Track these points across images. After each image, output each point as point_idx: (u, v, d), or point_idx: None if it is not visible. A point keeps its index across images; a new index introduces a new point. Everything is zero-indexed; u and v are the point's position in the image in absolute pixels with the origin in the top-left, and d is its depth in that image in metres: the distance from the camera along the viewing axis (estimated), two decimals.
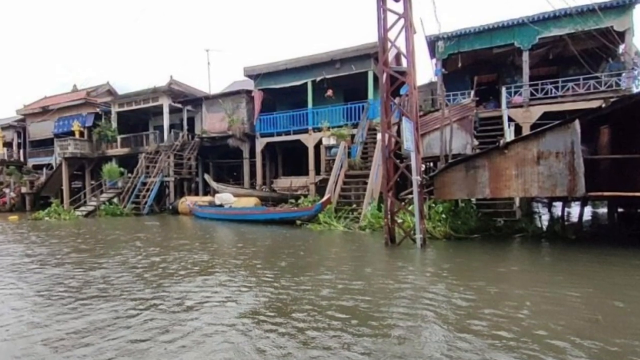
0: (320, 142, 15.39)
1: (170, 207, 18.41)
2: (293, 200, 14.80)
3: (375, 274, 5.66)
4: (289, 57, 17.16)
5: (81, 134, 22.27)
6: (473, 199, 9.42)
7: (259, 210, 13.81)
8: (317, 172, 15.94)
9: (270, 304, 4.17)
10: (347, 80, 16.51)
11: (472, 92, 12.14)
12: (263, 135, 17.88)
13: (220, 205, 14.99)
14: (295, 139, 17.00)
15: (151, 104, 20.83)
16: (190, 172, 19.93)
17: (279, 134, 17.56)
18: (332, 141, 14.26)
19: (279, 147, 19.04)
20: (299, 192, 16.03)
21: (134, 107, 21.33)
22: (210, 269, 5.97)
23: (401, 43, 8.25)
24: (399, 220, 8.59)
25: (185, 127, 20.96)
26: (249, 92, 18.72)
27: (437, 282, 5.05)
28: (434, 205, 9.43)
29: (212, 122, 19.24)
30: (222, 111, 18.79)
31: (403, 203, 9.11)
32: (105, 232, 11.30)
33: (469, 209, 9.54)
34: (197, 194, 19.79)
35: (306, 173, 16.97)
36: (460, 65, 14.09)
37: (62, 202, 20.23)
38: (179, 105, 20.72)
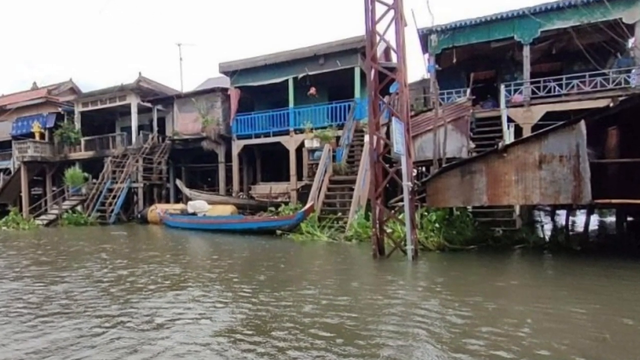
0: (302, 144, 15.26)
1: (139, 215, 18.21)
2: (273, 208, 14.75)
3: (363, 288, 5.71)
4: (269, 52, 17.13)
5: (42, 135, 21.83)
6: (469, 207, 9.39)
7: (236, 219, 13.80)
8: (299, 178, 15.70)
9: (248, 321, 4.17)
10: (331, 78, 16.32)
11: (468, 90, 12.11)
12: (240, 137, 17.69)
13: (194, 214, 15.03)
14: (275, 141, 16.81)
15: (118, 103, 20.54)
16: (160, 177, 19.67)
17: (257, 136, 17.37)
18: (316, 143, 14.20)
19: (257, 150, 18.82)
20: (279, 200, 15.95)
21: (99, 106, 21.01)
22: (183, 283, 6.02)
23: (391, 37, 8.22)
24: (388, 230, 8.57)
25: (155, 128, 20.55)
26: (224, 90, 18.46)
27: (430, 297, 5.05)
28: (426, 213, 9.41)
29: (184, 123, 19.00)
30: (195, 111, 18.56)
31: (393, 211, 9.06)
32: (68, 243, 11.31)
33: (465, 218, 9.51)
34: (168, 201, 19.58)
35: (287, 178, 16.74)
36: (455, 60, 14.05)
37: (20, 210, 20.08)
38: (149, 105, 20.41)
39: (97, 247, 10.15)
